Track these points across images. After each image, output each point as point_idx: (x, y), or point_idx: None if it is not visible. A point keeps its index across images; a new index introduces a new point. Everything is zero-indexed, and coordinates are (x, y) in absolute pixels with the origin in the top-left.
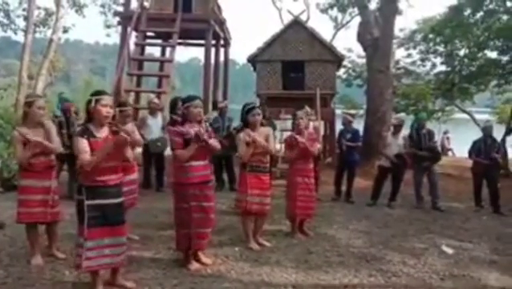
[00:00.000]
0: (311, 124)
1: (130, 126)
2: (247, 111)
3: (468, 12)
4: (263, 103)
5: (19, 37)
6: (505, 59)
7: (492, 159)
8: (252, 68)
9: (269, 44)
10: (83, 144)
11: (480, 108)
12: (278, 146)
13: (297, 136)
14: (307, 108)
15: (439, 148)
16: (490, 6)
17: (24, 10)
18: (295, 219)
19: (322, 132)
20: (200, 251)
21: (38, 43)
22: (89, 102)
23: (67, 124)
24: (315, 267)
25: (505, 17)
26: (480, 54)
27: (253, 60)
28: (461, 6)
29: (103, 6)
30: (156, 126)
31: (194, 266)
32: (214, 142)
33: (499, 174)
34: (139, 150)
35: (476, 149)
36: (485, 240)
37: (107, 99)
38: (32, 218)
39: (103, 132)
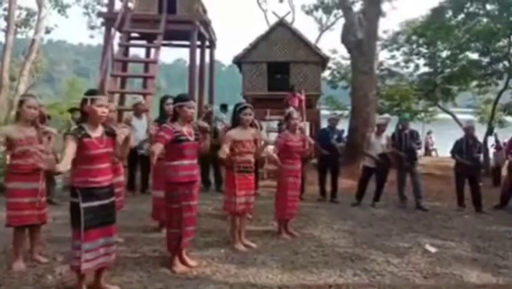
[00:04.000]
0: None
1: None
2: (239, 110)
3: (449, 14)
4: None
5: (0, 37)
6: (485, 60)
7: (474, 159)
8: (238, 69)
9: (254, 46)
10: (71, 148)
11: (462, 109)
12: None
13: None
14: (291, 108)
15: (421, 149)
16: (471, 9)
17: (5, 9)
18: (283, 220)
19: (307, 132)
20: (185, 249)
21: (20, 44)
22: (84, 101)
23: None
24: (301, 268)
25: (485, 19)
26: (461, 56)
27: (238, 61)
28: (442, 8)
29: (86, 6)
30: (141, 127)
31: (180, 268)
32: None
33: (481, 174)
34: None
35: (458, 149)
36: (467, 238)
37: (103, 100)
38: (22, 221)
39: (98, 132)
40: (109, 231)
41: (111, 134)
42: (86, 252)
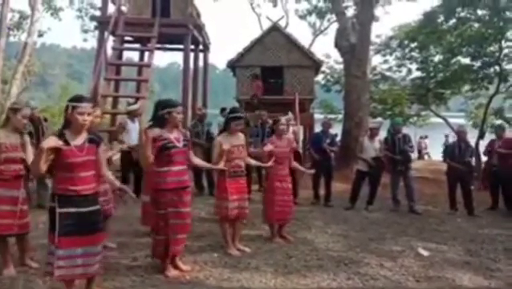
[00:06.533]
0: (290, 128)
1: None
2: (231, 118)
3: (441, 19)
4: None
5: None
6: (477, 64)
7: (466, 163)
8: (232, 73)
9: (248, 50)
10: (49, 140)
11: (454, 113)
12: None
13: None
14: (290, 114)
15: (415, 152)
16: (462, 14)
17: None
18: (273, 224)
19: (301, 136)
20: (176, 257)
21: (13, 47)
22: (66, 108)
23: (37, 134)
24: (294, 272)
25: (476, 24)
26: (453, 60)
27: (232, 65)
28: (434, 13)
29: (79, 10)
30: (135, 131)
31: (172, 272)
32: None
33: (473, 177)
34: (117, 156)
35: (450, 153)
36: (459, 242)
37: (85, 107)
38: (0, 230)
39: (80, 140)
40: (91, 241)
41: (95, 141)
42: (59, 259)
